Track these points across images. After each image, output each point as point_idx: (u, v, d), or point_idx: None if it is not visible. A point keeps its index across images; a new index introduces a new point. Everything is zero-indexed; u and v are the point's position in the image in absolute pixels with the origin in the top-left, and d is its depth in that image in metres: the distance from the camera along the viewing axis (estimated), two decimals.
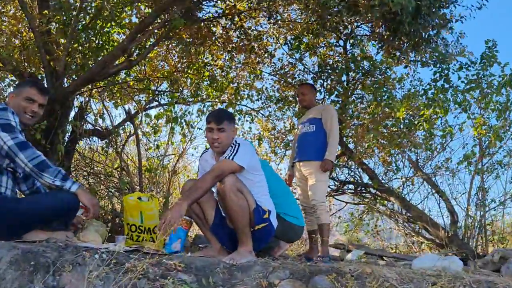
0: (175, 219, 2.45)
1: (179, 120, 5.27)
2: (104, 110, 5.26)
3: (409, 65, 4.85)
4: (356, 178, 5.81)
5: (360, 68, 5.52)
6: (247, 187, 2.81)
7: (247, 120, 6.29)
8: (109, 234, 4.23)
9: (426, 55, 4.46)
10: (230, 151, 2.84)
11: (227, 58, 6.26)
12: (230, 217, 2.77)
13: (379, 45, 4.73)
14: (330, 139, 4.22)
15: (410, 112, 4.71)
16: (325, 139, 4.27)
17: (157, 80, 6.05)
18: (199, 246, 4.06)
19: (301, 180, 4.31)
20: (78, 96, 5.16)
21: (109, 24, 5.16)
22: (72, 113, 5.02)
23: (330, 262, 3.95)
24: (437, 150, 4.98)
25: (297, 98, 4.54)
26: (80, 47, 4.67)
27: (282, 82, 6.40)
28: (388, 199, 5.32)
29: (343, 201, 6.26)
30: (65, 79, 4.56)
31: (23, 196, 2.98)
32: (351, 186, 5.91)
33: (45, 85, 2.75)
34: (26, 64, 4.52)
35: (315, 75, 5.87)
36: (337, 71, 5.56)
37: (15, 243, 2.32)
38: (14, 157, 2.32)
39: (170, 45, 6.10)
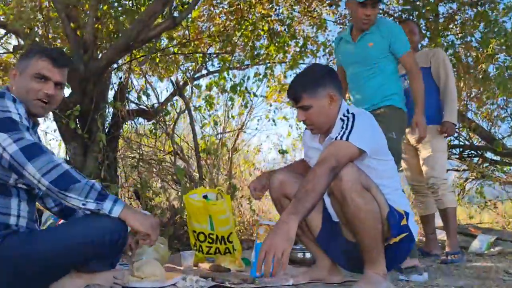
0: (285, 250, 1.51)
1: (239, 88, 4.32)
2: (148, 85, 4.39)
3: None
4: (459, 141, 4.68)
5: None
6: (370, 178, 1.85)
7: None
8: (174, 241, 3.44)
9: None
10: (342, 127, 1.86)
11: (282, 10, 5.19)
12: (353, 228, 1.83)
13: None
14: (447, 94, 3.16)
15: None
16: (438, 95, 3.21)
17: (204, 44, 5.09)
18: None
19: (408, 152, 3.28)
20: (115, 71, 4.31)
21: None
22: (111, 92, 4.19)
23: (463, 260, 2.96)
24: None
25: None
26: (110, 10, 3.76)
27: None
28: None
29: None
30: (97, 51, 3.69)
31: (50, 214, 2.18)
32: (454, 151, 4.80)
33: (65, 56, 1.79)
34: (48, 35, 3.68)
35: (399, 16, 4.71)
36: (428, 7, 4.37)
37: None
38: (20, 171, 1.46)
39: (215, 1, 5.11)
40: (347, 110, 1.95)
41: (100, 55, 3.64)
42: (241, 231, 4.76)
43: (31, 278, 1.51)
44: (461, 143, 4.77)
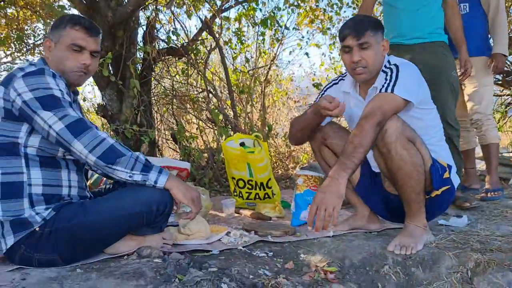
0: (336, 206, 1.57)
1: (269, 22, 4.15)
2: (176, 22, 4.26)
3: None
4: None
5: None
6: (416, 132, 1.81)
7: (349, 6, 4.95)
8: (214, 183, 3.54)
9: None
10: (386, 78, 1.81)
11: None
12: (395, 181, 1.82)
13: None
14: (497, 22, 2.93)
15: None
16: (486, 24, 2.99)
17: None
18: None
19: None
20: (143, 10, 4.18)
21: None
22: (140, 32, 4.11)
23: (503, 196, 2.94)
24: None
25: None
26: None
27: None
28: None
29: None
30: None
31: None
32: (498, 76, 4.55)
33: (96, 25, 1.75)
34: None
35: None
36: None
37: (96, 263, 1.63)
38: (68, 147, 1.51)
39: None
40: (389, 61, 1.87)
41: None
42: (277, 163, 4.84)
43: (87, 245, 1.62)
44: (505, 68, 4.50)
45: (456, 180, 1.93)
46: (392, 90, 1.75)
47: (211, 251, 1.81)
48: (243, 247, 1.87)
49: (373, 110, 1.71)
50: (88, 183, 2.33)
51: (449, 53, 2.59)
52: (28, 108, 1.51)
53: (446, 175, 1.85)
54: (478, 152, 3.52)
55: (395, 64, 1.83)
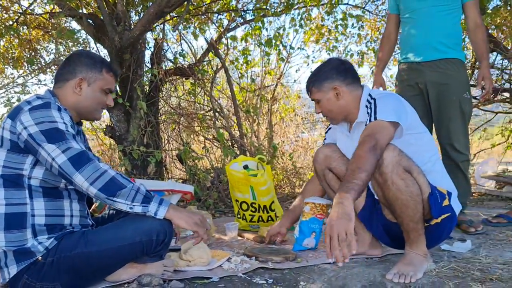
0: (347, 229, 1.47)
1: (274, 41, 4.20)
2: (183, 43, 4.34)
3: None
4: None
5: None
6: (413, 160, 1.82)
7: (354, 26, 4.99)
8: (219, 204, 3.56)
9: None
10: (368, 112, 1.89)
11: None
12: (393, 210, 1.83)
13: None
14: None
15: None
16: None
17: None
18: None
19: None
20: (151, 31, 4.27)
21: None
22: (147, 53, 4.19)
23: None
24: None
25: None
26: None
27: None
28: None
29: (492, 111, 4.94)
30: (129, 20, 3.64)
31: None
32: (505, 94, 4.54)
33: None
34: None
35: None
36: None
37: None
38: (70, 179, 1.54)
39: None
40: (370, 95, 1.94)
41: (135, 20, 3.60)
42: (284, 181, 4.85)
43: (88, 274, 1.65)
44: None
45: (457, 206, 1.92)
46: (375, 118, 1.81)
47: (211, 278, 1.83)
48: (243, 274, 1.88)
49: (364, 139, 1.74)
50: (93, 207, 2.38)
51: (463, 72, 2.52)
52: (33, 141, 1.55)
53: (445, 202, 1.85)
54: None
55: (373, 98, 1.90)
